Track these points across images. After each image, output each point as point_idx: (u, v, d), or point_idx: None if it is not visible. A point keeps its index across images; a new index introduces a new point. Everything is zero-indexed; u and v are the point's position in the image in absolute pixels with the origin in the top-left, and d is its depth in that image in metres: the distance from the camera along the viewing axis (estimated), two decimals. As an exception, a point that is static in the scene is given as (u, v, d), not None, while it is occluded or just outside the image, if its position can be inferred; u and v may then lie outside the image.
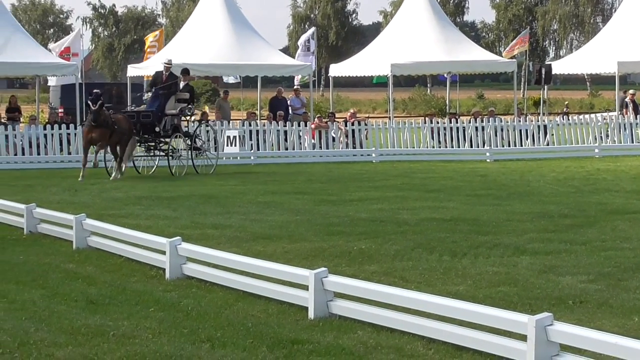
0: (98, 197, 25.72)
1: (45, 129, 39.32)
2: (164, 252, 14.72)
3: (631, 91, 49.46)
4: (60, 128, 38.87)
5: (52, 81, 53.78)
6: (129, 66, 51.72)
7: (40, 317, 12.03)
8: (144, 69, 48.62)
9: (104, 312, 12.25)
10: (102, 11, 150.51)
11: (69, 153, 37.93)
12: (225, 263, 13.91)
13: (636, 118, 44.45)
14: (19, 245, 17.89)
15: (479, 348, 10.08)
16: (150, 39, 55.78)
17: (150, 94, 33.79)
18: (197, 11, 48.73)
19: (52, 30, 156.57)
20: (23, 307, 12.57)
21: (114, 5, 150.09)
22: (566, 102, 52.49)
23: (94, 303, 12.83)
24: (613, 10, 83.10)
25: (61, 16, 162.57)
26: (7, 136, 38.17)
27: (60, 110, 47.49)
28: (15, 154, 37.64)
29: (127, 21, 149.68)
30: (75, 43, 51.38)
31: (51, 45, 51.70)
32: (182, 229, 17.46)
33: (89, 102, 30.14)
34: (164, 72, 33.52)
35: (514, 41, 56.16)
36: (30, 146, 38.03)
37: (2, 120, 42.57)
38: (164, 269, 14.65)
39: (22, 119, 44.98)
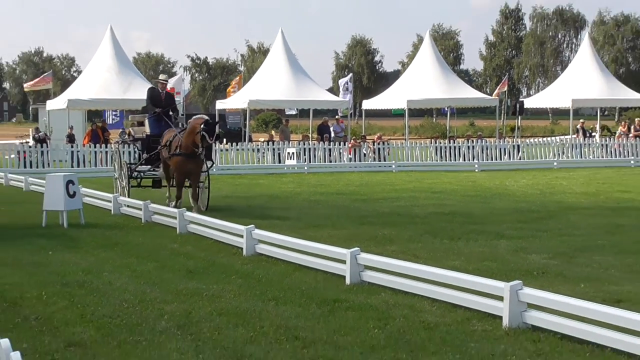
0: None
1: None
2: (242, 236, 14.81)
3: (581, 120, 49.41)
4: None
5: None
6: (216, 101, 52.13)
7: (154, 282, 12.18)
8: (227, 103, 49.21)
9: (199, 279, 12.37)
10: (198, 61, 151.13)
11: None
12: (286, 244, 13.99)
13: (584, 140, 44.56)
14: (138, 230, 18.05)
15: (469, 306, 10.13)
16: (232, 82, 56.04)
17: (145, 115, 23.20)
18: (266, 61, 48.93)
19: (161, 75, 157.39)
20: (142, 275, 12.71)
21: (206, 57, 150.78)
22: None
23: (192, 272, 12.96)
24: (569, 61, 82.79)
25: (168, 65, 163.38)
26: (130, 153, 38.46)
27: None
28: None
29: (216, 68, 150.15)
30: (178, 84, 51.80)
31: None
32: (255, 219, 17.54)
33: (204, 133, 19.09)
34: (160, 91, 22.80)
35: (499, 85, 56.09)
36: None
37: (127, 140, 42.75)
38: (242, 248, 14.74)
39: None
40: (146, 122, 22.54)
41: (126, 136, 23.99)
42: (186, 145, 19.71)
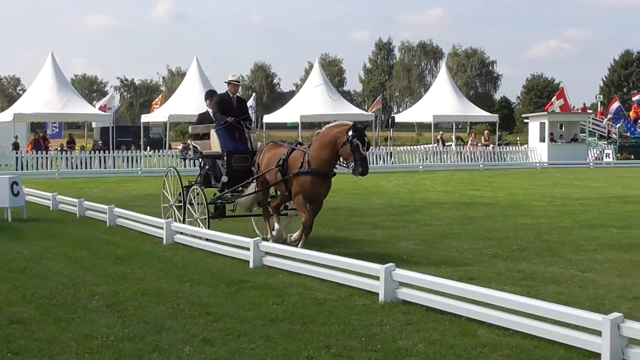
0: (123, 194, 25.42)
1: (90, 153, 39.29)
2: (162, 228, 14.56)
3: (440, 132, 50.36)
4: (98, 152, 38.84)
5: (95, 124, 53.42)
6: (142, 116, 51.90)
7: (86, 267, 11.84)
8: (151, 117, 49.02)
9: (126, 264, 12.08)
10: (126, 82, 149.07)
11: (105, 168, 37.72)
12: (198, 234, 13.81)
13: (443, 148, 45.30)
14: (74, 224, 17.60)
15: (352, 284, 10.08)
16: (155, 100, 55.74)
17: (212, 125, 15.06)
18: (184, 83, 49.13)
19: (95, 94, 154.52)
20: (76, 262, 12.36)
21: (133, 78, 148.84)
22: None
23: (119, 259, 12.65)
24: (430, 84, 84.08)
25: (101, 85, 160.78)
26: (67, 158, 37.83)
27: (100, 142, 47.26)
28: (72, 169, 37.31)
29: (141, 88, 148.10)
30: (110, 102, 51.35)
31: (95, 103, 51.35)
32: (174, 214, 17.30)
33: (358, 142, 12.17)
34: (230, 94, 14.74)
35: (374, 103, 56.69)
36: (81, 163, 37.72)
37: (65, 148, 42.24)
38: (162, 239, 14.47)
39: (76, 148, 44.68)
40: (213, 134, 14.91)
41: (189, 152, 15.77)
42: (321, 161, 12.69)
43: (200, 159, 15.47)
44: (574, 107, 53.50)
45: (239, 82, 14.96)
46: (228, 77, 14.87)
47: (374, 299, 9.48)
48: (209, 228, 13.96)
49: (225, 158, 14.50)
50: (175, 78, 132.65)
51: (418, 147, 49.01)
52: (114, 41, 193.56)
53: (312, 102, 47.78)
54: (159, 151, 40.36)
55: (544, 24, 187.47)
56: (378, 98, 58.59)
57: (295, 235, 13.01)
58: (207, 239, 13.48)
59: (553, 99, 51.00)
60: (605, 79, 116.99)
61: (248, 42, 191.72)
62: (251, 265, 11.88)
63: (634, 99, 60.89)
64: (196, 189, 14.83)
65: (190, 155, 15.79)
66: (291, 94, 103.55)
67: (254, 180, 14.08)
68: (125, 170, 37.28)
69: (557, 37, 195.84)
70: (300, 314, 8.76)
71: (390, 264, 9.61)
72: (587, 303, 9.14)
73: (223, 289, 10.13)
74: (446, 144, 49.07)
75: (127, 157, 38.62)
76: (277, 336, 7.83)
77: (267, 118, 52.03)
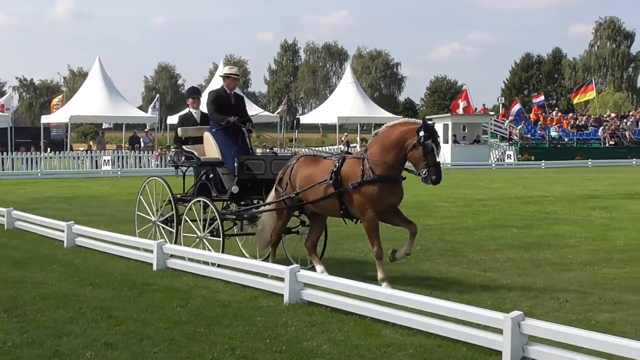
0: (22, 197, 24.81)
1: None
2: (62, 231, 14.24)
3: (345, 134, 50.69)
4: (-3, 154, 37.98)
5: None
6: (42, 116, 50.86)
7: (-18, 272, 11.52)
8: (52, 118, 48.11)
9: (25, 268, 11.75)
10: (25, 82, 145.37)
11: (3, 170, 36.79)
12: (101, 237, 13.57)
13: (348, 150, 45.64)
14: (-31, 227, 17.10)
15: (257, 286, 10.05)
16: (55, 100, 54.63)
17: (210, 125, 12.65)
18: (86, 83, 48.44)
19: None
20: (-28, 266, 12.02)
21: (32, 78, 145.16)
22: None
23: (18, 262, 12.31)
24: (335, 86, 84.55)
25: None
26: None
27: (-3, 143, 46.17)
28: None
29: (42, 88, 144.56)
30: (8, 102, 50.17)
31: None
32: (75, 216, 16.92)
33: (433, 145, 9.83)
34: (227, 90, 12.49)
35: (280, 106, 56.90)
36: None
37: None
38: (63, 241, 14.15)
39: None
40: (209, 137, 12.63)
41: (181, 158, 13.32)
42: (386, 166, 10.30)
43: (192, 167, 13.46)
44: (476, 109, 54.69)
45: (237, 75, 12.66)
46: (224, 69, 12.78)
47: (278, 300, 9.47)
48: (223, 251, 11.44)
49: (236, 165, 12.03)
50: (77, 78, 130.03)
51: (323, 148, 49.29)
52: (12, 40, 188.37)
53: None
54: (59, 153, 39.69)
55: (447, 27, 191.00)
56: (284, 101, 58.80)
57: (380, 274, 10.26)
58: (109, 242, 13.28)
59: (459, 101, 52.06)
60: (506, 82, 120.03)
61: (152, 43, 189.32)
62: (155, 267, 11.73)
63: (534, 101, 62.74)
64: (203, 201, 12.20)
65: (183, 162, 13.37)
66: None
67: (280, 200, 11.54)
68: (24, 173, 36.52)
69: (460, 40, 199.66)
70: (204, 317, 8.69)
71: (295, 265, 9.64)
72: (489, 302, 9.32)
73: (126, 292, 9.98)
74: (351, 145, 49.50)
75: (27, 159, 37.85)
76: (181, 339, 7.75)
77: (171, 119, 51.50)
